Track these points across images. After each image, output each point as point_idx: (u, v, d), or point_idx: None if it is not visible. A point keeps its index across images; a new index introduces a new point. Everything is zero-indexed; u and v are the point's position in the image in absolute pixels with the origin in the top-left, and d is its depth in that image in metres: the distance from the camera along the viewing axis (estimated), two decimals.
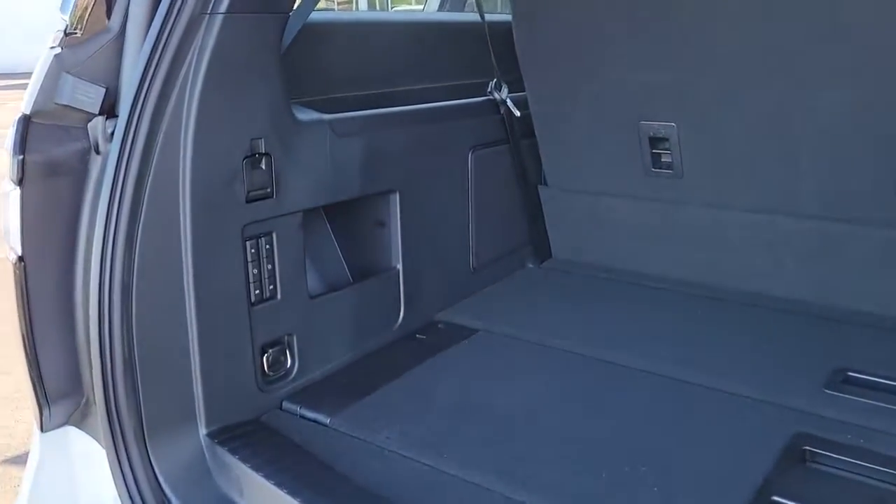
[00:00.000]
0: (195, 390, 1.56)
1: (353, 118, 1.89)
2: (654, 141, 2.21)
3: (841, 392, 1.66)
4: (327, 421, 1.66)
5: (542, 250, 2.61)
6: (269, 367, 1.72)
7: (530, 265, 2.59)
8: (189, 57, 1.45)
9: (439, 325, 2.15)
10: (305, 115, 1.76)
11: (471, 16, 2.46)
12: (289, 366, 1.77)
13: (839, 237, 2.03)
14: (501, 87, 2.35)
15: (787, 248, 2.12)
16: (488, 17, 2.33)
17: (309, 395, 1.77)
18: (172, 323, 1.51)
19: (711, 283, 2.27)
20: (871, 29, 1.75)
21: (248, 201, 1.61)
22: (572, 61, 2.22)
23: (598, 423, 1.61)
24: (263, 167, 1.63)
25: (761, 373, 1.77)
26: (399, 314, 2.08)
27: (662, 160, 2.24)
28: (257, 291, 1.66)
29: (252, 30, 1.54)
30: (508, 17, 2.35)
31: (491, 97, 2.36)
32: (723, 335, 1.99)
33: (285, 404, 1.74)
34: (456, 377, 1.84)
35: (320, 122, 1.79)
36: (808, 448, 1.48)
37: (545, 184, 2.54)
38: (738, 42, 1.93)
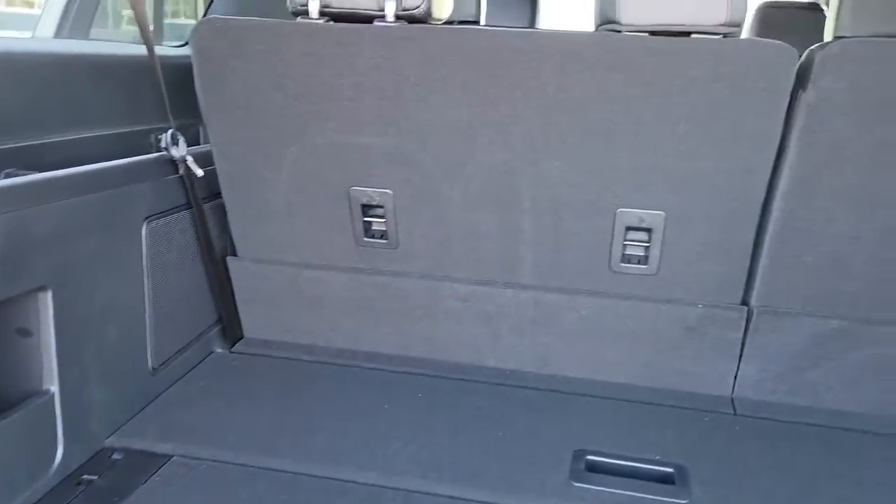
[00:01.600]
0: None
1: None
2: (367, 208, 1.97)
3: (589, 483, 1.58)
4: None
5: (232, 331, 2.20)
6: None
7: (219, 350, 2.17)
8: None
9: (114, 457, 1.63)
10: None
11: (135, 48, 1.97)
12: None
13: (553, 307, 2.00)
14: (178, 140, 1.91)
15: (504, 319, 2.04)
16: (159, 50, 1.88)
17: None
18: None
19: (429, 358, 2.09)
20: (589, 103, 1.72)
21: None
22: (272, 116, 1.88)
23: None
24: None
25: (507, 470, 1.62)
26: (56, 450, 1.53)
27: (375, 229, 2.00)
28: None
29: None
30: (184, 52, 1.92)
31: (166, 153, 1.90)
32: (454, 425, 1.81)
33: None
34: None
35: None
36: None
37: (234, 255, 2.15)
38: (463, 110, 1.78)
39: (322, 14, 1.79)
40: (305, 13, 1.79)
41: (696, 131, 1.69)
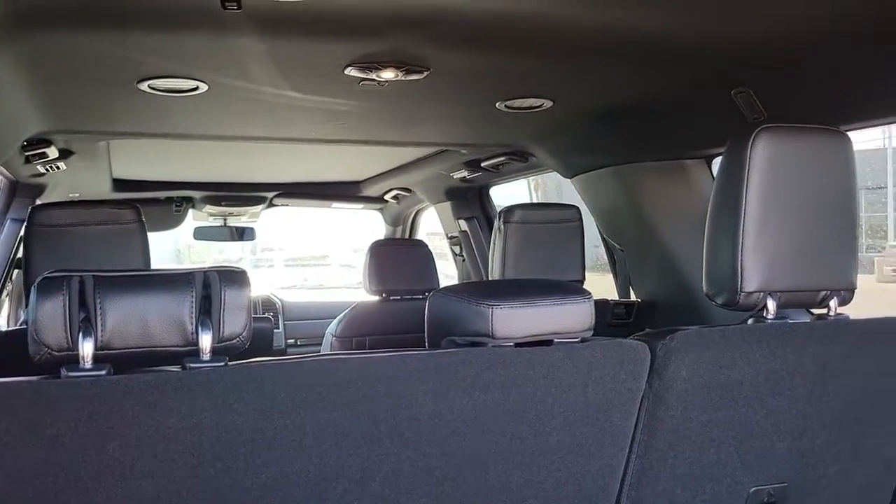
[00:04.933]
0: None
1: None
2: None
3: None
4: None
5: None
6: None
7: None
8: None
9: None
10: None
11: None
12: None
13: None
14: None
15: None
16: None
17: None
18: None
19: None
20: (464, 425, 1.48)
21: None
22: None
23: None
24: None
25: None
26: None
27: None
28: None
29: None
30: None
31: None
32: None
33: None
34: None
35: None
36: None
37: None
38: (313, 461, 1.37)
39: (100, 361, 1.23)
40: (74, 362, 1.21)
41: (567, 440, 1.58)
